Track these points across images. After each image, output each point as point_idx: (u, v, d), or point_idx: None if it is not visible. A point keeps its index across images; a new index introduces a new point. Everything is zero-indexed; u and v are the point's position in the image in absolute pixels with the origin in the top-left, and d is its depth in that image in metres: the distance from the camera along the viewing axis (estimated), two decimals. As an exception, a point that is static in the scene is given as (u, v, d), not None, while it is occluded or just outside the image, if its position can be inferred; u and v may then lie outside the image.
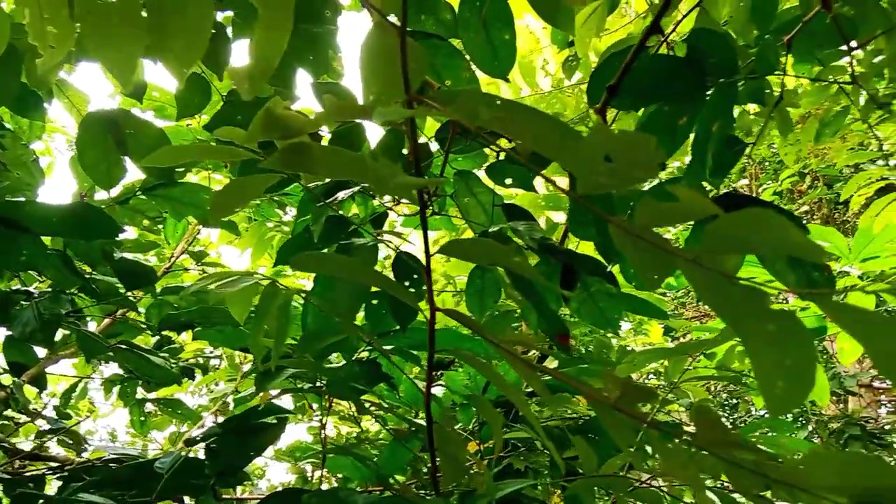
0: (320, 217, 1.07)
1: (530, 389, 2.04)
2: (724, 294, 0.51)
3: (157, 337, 2.32)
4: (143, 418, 2.96)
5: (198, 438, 1.10)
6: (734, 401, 9.51)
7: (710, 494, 1.31)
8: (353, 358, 1.53)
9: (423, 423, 0.99)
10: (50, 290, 1.50)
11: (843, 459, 0.49)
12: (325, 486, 2.22)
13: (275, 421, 1.12)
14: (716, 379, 1.75)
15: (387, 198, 1.44)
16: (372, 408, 1.50)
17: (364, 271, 0.78)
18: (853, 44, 1.54)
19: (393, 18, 0.74)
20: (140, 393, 2.73)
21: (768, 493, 0.69)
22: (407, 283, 1.24)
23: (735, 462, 0.58)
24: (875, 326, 0.47)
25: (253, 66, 0.66)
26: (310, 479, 3.07)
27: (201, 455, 1.24)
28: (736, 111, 2.20)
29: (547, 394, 0.72)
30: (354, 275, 0.84)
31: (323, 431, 1.45)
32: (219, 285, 0.99)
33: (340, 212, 1.56)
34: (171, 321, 1.42)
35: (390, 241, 1.18)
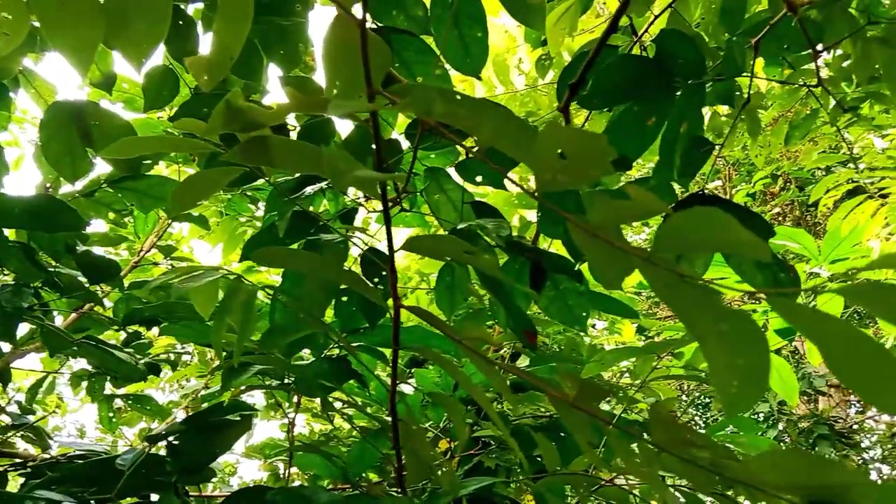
0: (286, 212, 1.06)
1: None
2: (679, 293, 0.52)
3: (126, 332, 2.29)
4: (111, 414, 2.92)
5: (160, 435, 1.08)
6: (707, 400, 9.61)
7: (675, 494, 1.32)
8: (323, 355, 1.52)
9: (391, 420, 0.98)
10: (13, 283, 1.47)
11: (794, 459, 0.50)
12: (297, 484, 2.21)
13: (238, 418, 1.10)
14: (690, 378, 1.76)
15: (360, 194, 1.44)
16: (343, 406, 1.49)
17: (328, 267, 0.77)
18: (819, 47, 1.56)
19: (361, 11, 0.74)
20: (109, 389, 2.69)
21: (730, 492, 0.70)
22: (376, 280, 1.23)
23: (691, 461, 0.58)
24: (829, 329, 0.48)
25: (212, 56, 0.65)
26: (282, 476, 3.05)
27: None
28: (707, 113, 2.22)
29: (507, 391, 0.72)
30: (319, 271, 0.83)
31: (291, 428, 1.44)
32: (181, 280, 0.98)
33: (311, 207, 1.55)
34: (136, 316, 1.40)
35: (360, 238, 1.17)
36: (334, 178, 0.50)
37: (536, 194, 0.50)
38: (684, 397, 8.79)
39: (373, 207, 1.53)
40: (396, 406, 0.97)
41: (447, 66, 1.36)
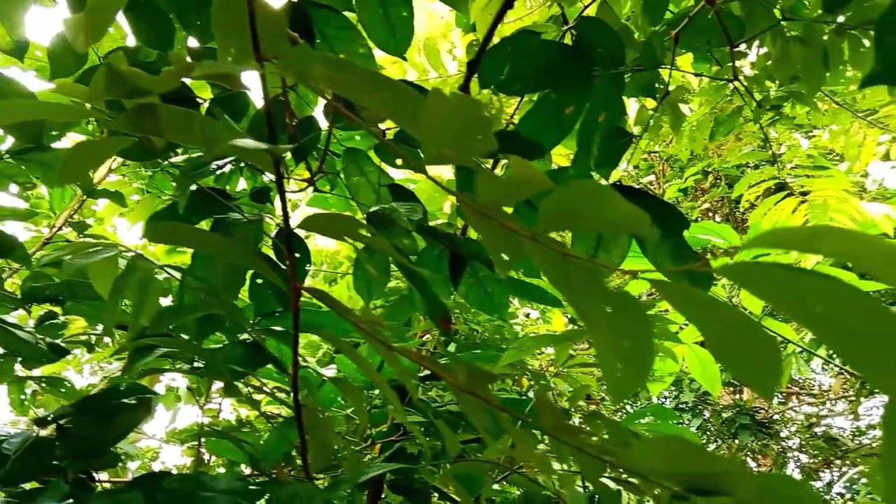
0: (186, 188, 1.02)
1: (426, 373, 2.03)
2: (566, 273, 0.50)
3: (41, 312, 2.18)
4: (23, 396, 2.79)
5: (48, 418, 1.02)
6: (637, 389, 9.81)
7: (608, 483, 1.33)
8: (239, 339, 1.48)
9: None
10: None
11: (673, 446, 0.49)
12: (221, 470, 2.16)
13: (134, 401, 1.06)
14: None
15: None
16: (252, 391, 1.45)
17: (224, 247, 0.74)
18: (743, 47, 1.59)
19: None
20: (22, 371, 2.57)
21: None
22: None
23: (579, 447, 0.58)
24: (710, 313, 0.47)
25: (87, 17, 0.61)
26: (207, 461, 2.98)
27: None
28: (636, 106, 2.24)
29: (407, 375, 0.70)
30: (218, 250, 0.80)
31: (200, 413, 1.39)
32: (75, 256, 0.93)
33: (227, 186, 1.49)
34: (36, 294, 1.33)
35: (272, 219, 1.14)
36: (206, 144, 0.47)
37: (423, 171, 0.49)
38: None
39: (295, 187, 1.49)
40: (313, 392, 0.94)
41: (372, 45, 1.33)
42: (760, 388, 0.47)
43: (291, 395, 1.72)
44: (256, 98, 1.41)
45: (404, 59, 1.36)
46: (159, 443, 3.97)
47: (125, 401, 1.04)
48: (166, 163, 2.09)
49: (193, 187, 1.19)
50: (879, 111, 2.68)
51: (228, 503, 0.97)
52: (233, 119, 1.09)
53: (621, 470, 0.59)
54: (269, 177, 1.41)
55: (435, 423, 0.85)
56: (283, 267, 1.26)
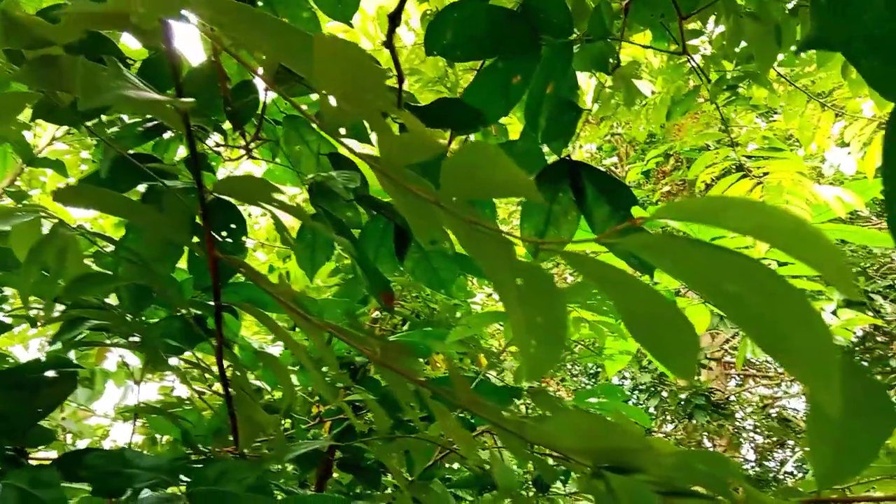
0: (109, 153, 0.97)
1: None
2: (478, 243, 0.48)
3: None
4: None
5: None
6: (598, 369, 9.94)
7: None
8: (178, 314, 1.43)
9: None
10: None
11: (585, 422, 0.47)
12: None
13: (55, 375, 1.01)
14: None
15: (215, 139, 1.34)
16: (187, 367, 1.40)
17: (137, 211, 0.70)
18: (701, 25, 1.57)
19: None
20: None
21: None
22: (224, 234, 1.15)
23: (495, 422, 0.55)
24: (621, 285, 0.45)
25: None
26: (159, 440, 2.93)
27: None
28: (592, 82, 2.22)
29: (325, 349, 0.67)
30: (132, 215, 0.75)
31: (137, 389, 1.35)
32: (-8, 221, 0.88)
33: (165, 153, 1.44)
34: (-44, 264, 1.26)
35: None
36: (84, 95, 0.43)
37: (322, 127, 0.45)
38: (574, 367, 9.04)
39: (232, 154, 1.44)
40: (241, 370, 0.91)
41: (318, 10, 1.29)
42: (676, 369, 0.45)
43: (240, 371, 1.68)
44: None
45: (351, 25, 1.32)
46: (110, 420, 3.89)
47: (46, 375, 1.00)
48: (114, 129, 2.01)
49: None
50: (833, 94, 2.70)
51: (151, 480, 0.94)
52: (164, 82, 1.04)
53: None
54: (212, 142, 1.36)
55: (367, 400, 0.82)
56: (220, 238, 1.22)
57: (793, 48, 1.41)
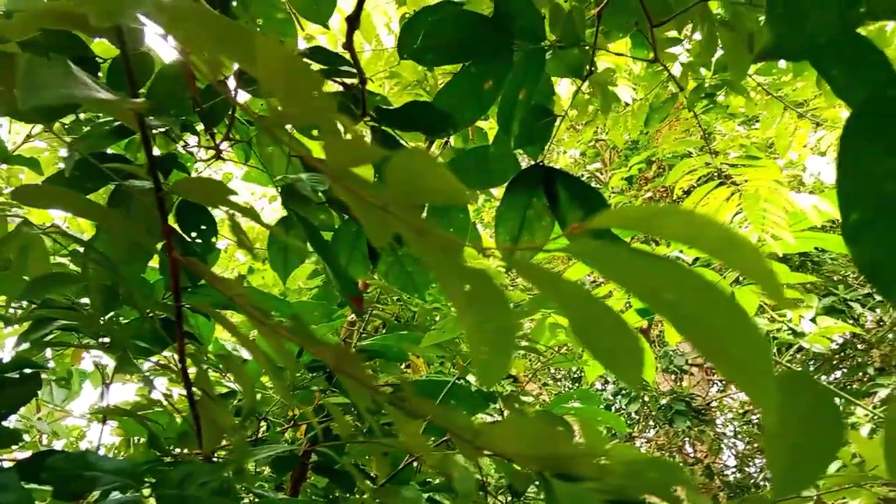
0: (72, 153, 0.96)
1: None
2: (427, 249, 0.48)
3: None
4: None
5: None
6: (581, 373, 9.96)
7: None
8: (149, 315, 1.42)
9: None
10: None
11: (531, 428, 0.47)
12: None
13: (18, 376, 1.00)
14: (530, 351, 1.77)
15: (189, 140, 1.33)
16: (159, 370, 1.39)
17: (95, 210, 0.69)
18: (676, 33, 1.57)
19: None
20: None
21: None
22: (195, 235, 1.15)
23: (448, 428, 0.55)
24: (569, 297, 0.45)
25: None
26: (136, 442, 2.91)
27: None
28: (571, 88, 2.23)
29: (284, 353, 0.67)
30: (90, 215, 0.74)
31: (106, 392, 1.33)
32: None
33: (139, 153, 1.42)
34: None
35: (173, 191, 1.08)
36: (25, 91, 0.42)
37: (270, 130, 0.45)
38: (557, 371, 9.05)
39: (207, 155, 1.43)
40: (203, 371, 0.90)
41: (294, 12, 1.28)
42: (625, 378, 0.45)
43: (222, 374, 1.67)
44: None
45: (326, 27, 1.32)
46: (86, 422, 3.86)
47: (9, 375, 0.98)
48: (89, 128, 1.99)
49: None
50: (809, 104, 2.73)
51: (114, 483, 0.93)
52: (140, 81, 1.03)
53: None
54: (192, 142, 1.35)
55: (328, 406, 0.81)
56: (188, 239, 1.21)
57: (781, 64, 1.43)
